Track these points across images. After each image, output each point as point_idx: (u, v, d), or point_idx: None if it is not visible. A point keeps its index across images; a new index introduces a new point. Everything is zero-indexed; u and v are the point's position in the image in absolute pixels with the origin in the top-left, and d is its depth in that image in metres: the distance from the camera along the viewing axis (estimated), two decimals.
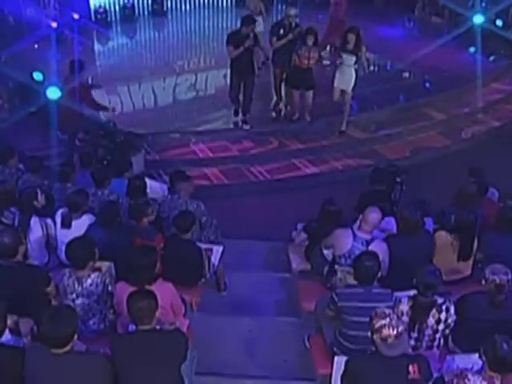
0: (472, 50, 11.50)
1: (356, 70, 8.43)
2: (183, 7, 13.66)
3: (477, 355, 3.90)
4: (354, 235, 4.93)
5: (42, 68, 9.49)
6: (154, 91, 10.04)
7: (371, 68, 8.80)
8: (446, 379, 3.66)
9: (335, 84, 8.62)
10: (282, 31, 8.51)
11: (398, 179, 6.69)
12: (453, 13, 12.69)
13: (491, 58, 11.46)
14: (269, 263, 6.37)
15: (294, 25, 8.54)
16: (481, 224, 5.47)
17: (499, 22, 12.20)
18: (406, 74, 10.69)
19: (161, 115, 9.52)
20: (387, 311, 3.44)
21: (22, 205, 5.28)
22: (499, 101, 10.24)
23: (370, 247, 4.76)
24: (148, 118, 9.34)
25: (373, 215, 4.94)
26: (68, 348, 3.29)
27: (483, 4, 12.66)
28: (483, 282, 4.17)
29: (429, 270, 4.15)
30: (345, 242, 4.93)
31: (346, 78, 8.47)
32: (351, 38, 8.21)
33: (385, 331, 3.33)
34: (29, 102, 9.30)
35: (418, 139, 9.19)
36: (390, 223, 5.64)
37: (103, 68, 11.41)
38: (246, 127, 8.83)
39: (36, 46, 11.29)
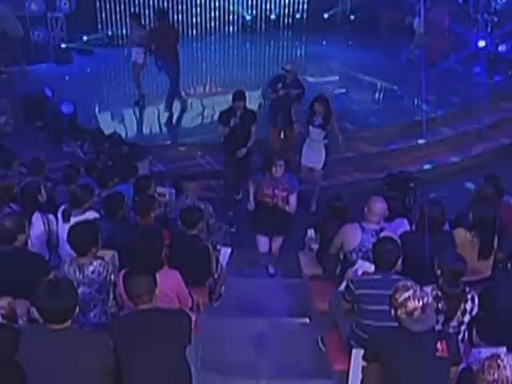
0: (479, 71, 11.52)
1: (326, 145, 7.26)
2: (189, 32, 13.76)
3: (504, 348, 3.67)
4: (363, 228, 4.78)
5: (50, 85, 9.59)
6: (158, 110, 9.96)
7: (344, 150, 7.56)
8: (475, 368, 3.40)
9: (302, 161, 7.37)
10: (280, 85, 7.61)
11: (412, 184, 6.56)
12: (458, 37, 12.75)
13: (498, 79, 11.48)
14: (278, 269, 6.19)
15: (289, 81, 7.61)
16: (499, 226, 5.27)
17: (503, 47, 12.35)
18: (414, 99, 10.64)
19: (167, 131, 9.47)
20: (409, 283, 3.21)
21: (24, 200, 5.12)
22: (509, 119, 10.13)
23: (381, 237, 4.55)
24: (154, 133, 9.31)
25: (378, 205, 4.80)
26: (68, 324, 3.05)
27: (488, 29, 12.79)
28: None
29: (453, 256, 3.92)
30: (354, 235, 4.78)
31: (315, 156, 7.29)
32: (319, 108, 7.05)
33: (410, 304, 3.10)
34: (34, 117, 9.34)
35: (428, 154, 9.04)
36: (403, 224, 5.46)
37: (111, 88, 11.44)
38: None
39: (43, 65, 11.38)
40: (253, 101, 9.11)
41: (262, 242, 6.14)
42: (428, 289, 3.92)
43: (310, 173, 7.50)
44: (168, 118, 9.63)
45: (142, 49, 9.57)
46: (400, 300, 3.15)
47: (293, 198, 5.83)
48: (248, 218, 6.16)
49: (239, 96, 7.18)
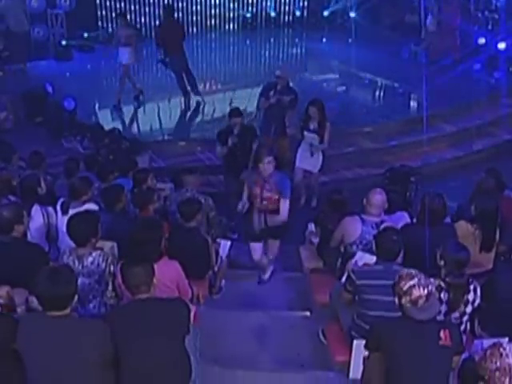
0: (479, 68, 11.54)
1: (323, 150, 7.11)
2: (190, 29, 13.75)
3: (506, 340, 3.64)
4: (363, 220, 4.74)
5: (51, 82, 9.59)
6: (159, 106, 9.95)
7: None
8: (477, 358, 3.37)
9: (297, 164, 7.17)
10: (272, 93, 7.28)
11: (412, 178, 6.53)
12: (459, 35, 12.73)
13: (499, 76, 11.47)
14: (279, 263, 6.10)
15: (280, 87, 7.24)
16: (500, 220, 5.24)
17: (503, 44, 12.35)
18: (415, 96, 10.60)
19: (167, 126, 9.47)
20: (413, 272, 3.17)
21: (23, 192, 5.09)
22: (509, 115, 10.10)
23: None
24: (154, 129, 9.29)
25: (377, 196, 4.77)
26: (67, 311, 3.03)
27: (489, 26, 12.79)
28: None
29: (456, 245, 3.89)
30: (354, 227, 4.75)
31: (311, 160, 7.11)
32: (314, 112, 6.83)
33: (415, 292, 3.06)
34: (34, 113, 9.34)
35: (428, 150, 9.01)
36: (403, 217, 5.43)
37: (111, 84, 11.42)
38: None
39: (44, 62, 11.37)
40: (253, 100, 9.07)
41: (256, 249, 5.60)
42: (431, 279, 3.89)
43: (307, 175, 7.33)
44: (168, 113, 9.62)
45: (129, 49, 9.43)
46: (405, 288, 3.11)
47: (285, 205, 5.23)
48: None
49: (235, 113, 6.79)
